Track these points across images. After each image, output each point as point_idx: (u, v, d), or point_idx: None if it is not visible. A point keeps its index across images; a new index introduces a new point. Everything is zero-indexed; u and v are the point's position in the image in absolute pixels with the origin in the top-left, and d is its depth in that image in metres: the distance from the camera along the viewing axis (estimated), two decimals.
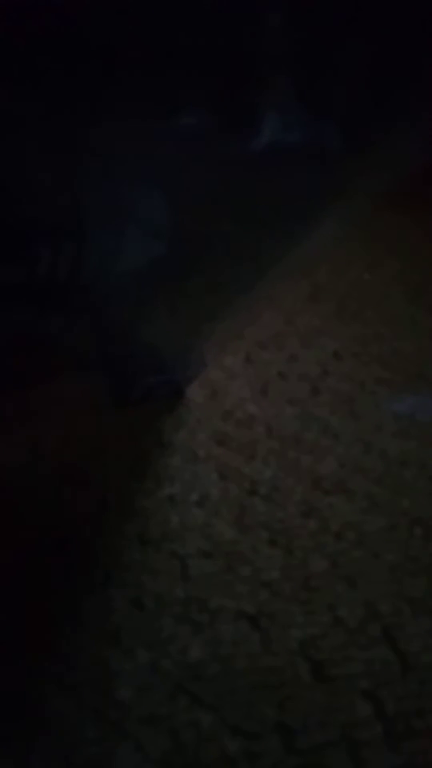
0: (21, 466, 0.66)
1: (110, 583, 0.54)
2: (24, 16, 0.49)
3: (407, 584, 0.56)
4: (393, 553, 0.59)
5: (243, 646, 0.50)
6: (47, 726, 0.44)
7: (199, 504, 0.63)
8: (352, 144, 0.60)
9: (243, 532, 0.60)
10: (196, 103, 0.57)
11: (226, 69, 0.56)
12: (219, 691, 0.46)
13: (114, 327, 0.71)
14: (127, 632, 0.50)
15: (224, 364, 0.86)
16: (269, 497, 0.64)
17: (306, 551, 0.58)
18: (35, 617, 0.51)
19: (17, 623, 0.50)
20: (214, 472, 0.67)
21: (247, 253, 0.66)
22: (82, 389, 0.73)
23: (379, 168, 0.62)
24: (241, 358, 0.88)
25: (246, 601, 0.53)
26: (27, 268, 0.65)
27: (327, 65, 0.58)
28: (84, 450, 0.69)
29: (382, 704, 0.46)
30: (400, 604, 0.54)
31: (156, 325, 0.70)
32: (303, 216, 0.67)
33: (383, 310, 1.06)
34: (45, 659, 0.48)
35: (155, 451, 0.70)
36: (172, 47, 0.53)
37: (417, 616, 0.53)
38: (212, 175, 0.59)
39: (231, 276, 0.68)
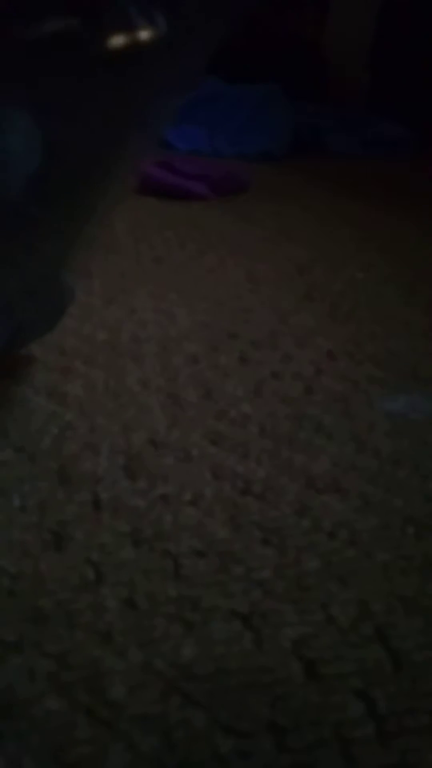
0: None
1: (103, 582, 0.54)
2: None
3: (400, 583, 0.56)
4: (386, 552, 0.59)
5: (235, 646, 0.50)
6: (39, 725, 0.44)
7: (192, 503, 0.63)
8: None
9: (236, 531, 0.60)
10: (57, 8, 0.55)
11: None
12: (211, 691, 0.46)
13: None
14: (120, 631, 0.50)
15: (218, 364, 0.86)
16: (262, 496, 0.64)
17: (299, 550, 0.58)
18: (28, 616, 0.51)
19: (10, 621, 0.50)
20: (208, 471, 0.67)
21: (108, 158, 0.63)
22: None
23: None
24: (235, 358, 0.88)
25: (239, 600, 0.53)
26: None
27: None
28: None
29: (374, 703, 0.47)
30: (393, 602, 0.54)
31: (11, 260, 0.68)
32: (156, 108, 0.66)
33: (377, 309, 1.06)
34: (37, 658, 0.48)
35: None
36: None
37: (409, 615, 0.53)
38: (82, 80, 0.57)
39: (88, 187, 0.65)
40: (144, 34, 0.56)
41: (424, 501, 0.66)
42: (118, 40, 0.55)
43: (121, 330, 0.93)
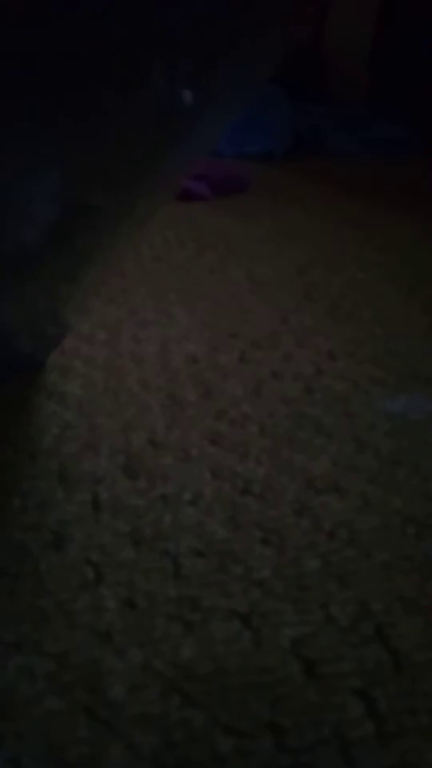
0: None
1: (103, 582, 0.54)
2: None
3: (400, 583, 0.56)
4: (386, 552, 0.59)
5: (235, 645, 0.50)
6: (39, 725, 0.44)
7: (191, 503, 0.63)
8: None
9: (236, 531, 0.60)
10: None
11: None
12: (211, 690, 0.46)
13: None
14: (120, 631, 0.50)
15: (218, 363, 0.86)
16: (262, 496, 0.64)
17: (298, 550, 0.58)
18: (27, 616, 0.51)
19: (10, 621, 0.50)
20: (207, 471, 0.67)
21: (108, 201, 0.64)
22: None
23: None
24: (235, 358, 0.88)
25: (238, 600, 0.53)
26: None
27: None
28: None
29: (374, 703, 0.46)
30: (393, 602, 0.54)
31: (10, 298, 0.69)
32: (170, 171, 0.67)
33: (377, 309, 1.06)
34: (37, 658, 0.48)
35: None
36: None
37: (409, 615, 0.53)
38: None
39: (87, 232, 0.66)
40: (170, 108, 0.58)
41: (424, 501, 0.65)
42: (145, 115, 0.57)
43: (120, 330, 0.93)
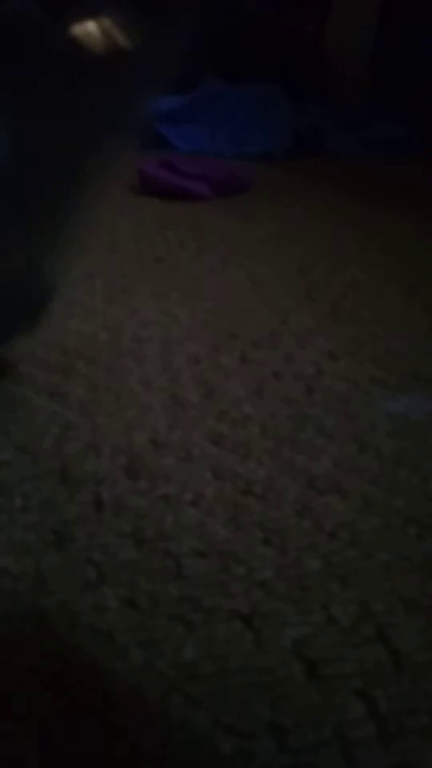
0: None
1: (104, 582, 0.54)
2: None
3: (401, 583, 0.56)
4: (387, 553, 0.59)
5: (237, 646, 0.50)
6: (41, 726, 0.44)
7: (193, 503, 0.63)
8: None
9: (237, 531, 0.60)
10: None
11: None
12: (212, 691, 0.47)
13: None
14: (121, 631, 0.50)
15: (220, 364, 0.86)
16: (264, 497, 0.64)
17: (300, 551, 0.59)
18: (30, 616, 0.51)
19: (11, 622, 0.50)
20: (209, 471, 0.67)
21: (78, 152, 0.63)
22: None
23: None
24: (237, 358, 0.88)
25: (240, 600, 0.53)
26: None
27: None
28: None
29: (375, 703, 0.47)
30: (394, 603, 0.54)
31: None
32: (129, 109, 0.65)
33: (378, 309, 1.06)
34: (38, 658, 0.48)
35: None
36: None
37: (410, 615, 0.53)
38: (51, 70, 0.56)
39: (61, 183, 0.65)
40: (122, 42, 0.56)
41: (425, 501, 0.66)
42: (83, 34, 0.54)
43: (122, 330, 0.93)
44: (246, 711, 0.45)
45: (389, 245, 1.36)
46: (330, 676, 0.48)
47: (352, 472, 0.69)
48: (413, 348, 0.94)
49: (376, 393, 0.83)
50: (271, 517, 0.62)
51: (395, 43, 2.37)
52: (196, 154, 1.90)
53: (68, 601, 0.52)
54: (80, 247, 0.81)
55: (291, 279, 1.16)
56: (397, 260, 1.28)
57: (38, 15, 0.52)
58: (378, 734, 0.45)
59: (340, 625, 0.52)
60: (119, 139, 0.68)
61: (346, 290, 1.12)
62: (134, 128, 0.74)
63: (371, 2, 2.43)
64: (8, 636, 0.49)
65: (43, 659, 0.48)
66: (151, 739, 0.43)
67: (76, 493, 0.63)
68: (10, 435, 0.70)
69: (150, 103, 0.73)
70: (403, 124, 2.22)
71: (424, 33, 2.30)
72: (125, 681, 0.47)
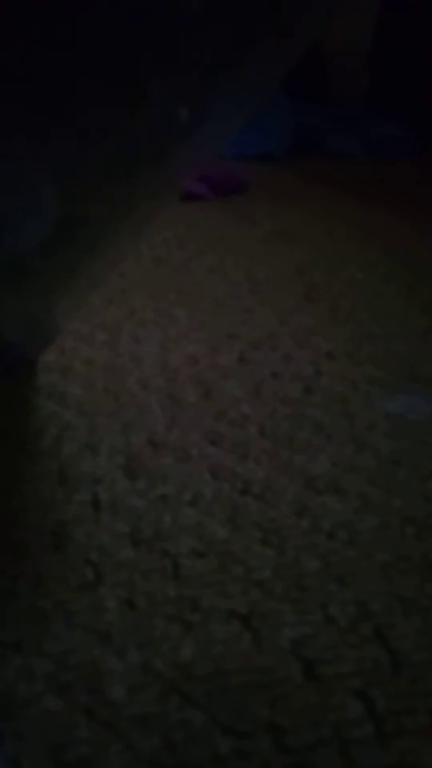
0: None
1: (102, 582, 0.54)
2: None
3: (399, 583, 0.56)
4: (385, 553, 0.59)
5: (235, 646, 0.50)
6: (39, 725, 0.44)
7: (191, 503, 0.63)
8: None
9: (235, 531, 0.60)
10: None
11: None
12: (211, 691, 0.46)
13: None
14: (119, 631, 0.50)
15: (218, 364, 0.86)
16: (262, 497, 0.64)
17: (298, 551, 0.58)
18: (27, 616, 0.51)
19: (9, 622, 0.50)
20: (207, 471, 0.67)
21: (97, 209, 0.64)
22: None
23: None
24: (235, 358, 0.88)
25: (238, 600, 0.53)
26: None
27: None
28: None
29: (373, 703, 0.46)
30: (392, 603, 0.54)
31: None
32: (170, 184, 0.67)
33: (377, 310, 1.06)
34: (37, 658, 0.48)
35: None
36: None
37: (409, 615, 0.53)
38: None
39: (84, 237, 0.67)
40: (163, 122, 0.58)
41: (423, 501, 0.65)
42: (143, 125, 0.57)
43: (120, 330, 0.93)
44: (244, 711, 0.45)
45: (388, 245, 1.36)
46: (328, 676, 0.48)
47: (350, 472, 0.69)
48: (412, 348, 0.94)
49: (374, 393, 0.83)
50: (269, 517, 0.62)
51: (394, 43, 2.37)
52: None
53: (66, 601, 0.52)
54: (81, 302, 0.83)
55: (290, 279, 1.16)
56: (396, 260, 1.28)
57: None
58: (376, 734, 0.45)
59: (339, 625, 0.52)
60: (152, 210, 0.70)
61: (344, 290, 1.12)
62: (171, 199, 0.76)
63: (371, 2, 2.43)
64: (6, 637, 0.49)
65: (42, 659, 0.48)
66: (149, 739, 0.43)
67: (74, 493, 0.63)
68: (8, 435, 0.70)
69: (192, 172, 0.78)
70: (402, 124, 2.22)
71: (424, 33, 2.30)
72: (123, 681, 0.47)
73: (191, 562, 0.56)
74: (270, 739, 0.44)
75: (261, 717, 0.45)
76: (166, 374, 0.83)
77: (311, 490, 0.66)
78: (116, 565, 0.55)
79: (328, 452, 0.71)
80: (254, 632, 0.51)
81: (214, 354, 0.89)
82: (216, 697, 0.46)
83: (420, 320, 1.04)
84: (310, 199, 1.65)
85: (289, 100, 2.12)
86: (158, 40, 0.50)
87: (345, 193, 1.71)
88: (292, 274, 1.18)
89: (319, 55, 2.48)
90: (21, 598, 0.52)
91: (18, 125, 0.50)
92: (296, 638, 0.50)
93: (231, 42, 0.53)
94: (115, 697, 0.46)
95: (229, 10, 0.52)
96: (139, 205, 0.66)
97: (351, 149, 2.15)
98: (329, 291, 1.12)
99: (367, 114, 2.31)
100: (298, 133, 2.09)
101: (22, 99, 0.49)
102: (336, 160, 2.08)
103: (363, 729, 0.45)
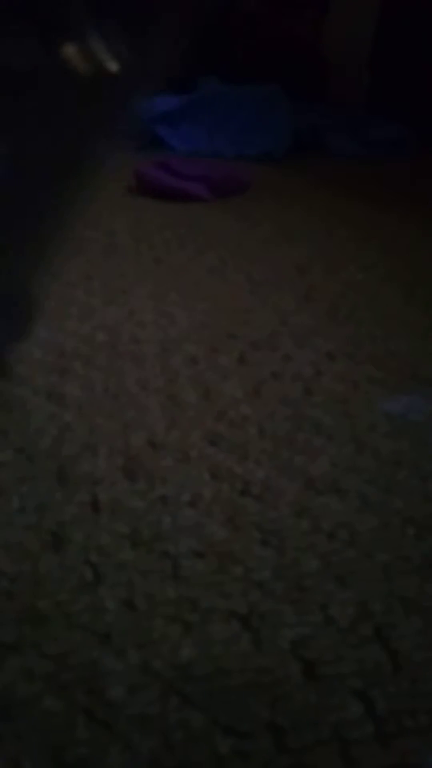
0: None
1: (102, 583, 0.54)
2: None
3: (399, 584, 0.56)
4: (385, 553, 0.59)
5: (234, 646, 0.50)
6: (38, 726, 0.44)
7: (191, 504, 0.63)
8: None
9: (235, 532, 0.60)
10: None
11: None
12: (210, 691, 0.46)
13: None
14: (119, 632, 0.50)
15: (218, 365, 0.86)
16: (261, 497, 0.64)
17: (298, 551, 0.58)
18: (27, 617, 0.51)
19: (9, 622, 0.50)
20: (207, 472, 0.67)
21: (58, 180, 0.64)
22: None
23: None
24: (235, 359, 0.88)
25: (237, 600, 0.53)
26: None
27: None
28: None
29: (373, 703, 0.46)
30: (393, 603, 0.54)
31: None
32: (117, 120, 0.67)
33: (377, 310, 1.06)
34: (37, 659, 0.48)
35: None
36: None
37: (409, 616, 0.53)
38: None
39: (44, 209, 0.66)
40: (109, 66, 0.57)
41: (423, 502, 0.65)
42: (72, 55, 0.56)
43: (120, 331, 0.93)
44: (244, 711, 0.45)
45: (388, 246, 1.36)
46: (328, 676, 0.48)
47: (350, 472, 0.68)
48: (412, 348, 0.94)
49: (374, 393, 0.83)
50: (269, 518, 0.62)
51: (394, 43, 2.37)
52: (194, 156, 1.90)
53: (65, 602, 0.52)
54: (63, 264, 0.83)
55: (290, 279, 1.16)
56: (396, 261, 1.28)
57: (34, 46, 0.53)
58: (376, 734, 0.45)
59: (339, 626, 0.52)
60: (106, 149, 0.69)
61: (344, 291, 1.12)
62: (122, 136, 0.75)
63: (371, 2, 2.43)
64: (6, 637, 0.49)
65: (41, 660, 0.48)
66: (149, 740, 0.43)
67: (73, 494, 0.63)
68: (7, 436, 0.70)
69: (140, 108, 0.75)
70: (402, 124, 2.22)
71: (423, 33, 2.30)
72: (123, 682, 0.47)
73: (191, 562, 0.56)
74: (270, 739, 0.44)
75: (261, 717, 0.45)
76: (165, 375, 0.83)
77: (311, 491, 0.65)
78: (116, 565, 0.55)
79: (329, 453, 0.71)
80: (254, 632, 0.51)
81: (214, 354, 0.89)
82: (216, 697, 0.46)
83: (420, 320, 1.04)
84: (309, 199, 1.65)
85: (290, 100, 2.13)
86: None
87: (345, 193, 1.71)
88: (293, 275, 1.18)
89: (318, 56, 2.48)
90: (21, 598, 0.52)
91: None
92: (296, 638, 0.50)
93: None
94: (114, 698, 0.46)
95: None
96: (93, 146, 0.64)
97: (351, 149, 2.15)
98: (329, 291, 1.12)
99: (367, 114, 2.31)
100: (298, 133, 2.10)
101: None
102: (336, 160, 2.08)
103: (363, 729, 0.45)
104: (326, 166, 2.00)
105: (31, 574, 0.54)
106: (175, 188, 1.54)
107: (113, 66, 0.55)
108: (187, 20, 0.60)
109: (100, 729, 0.44)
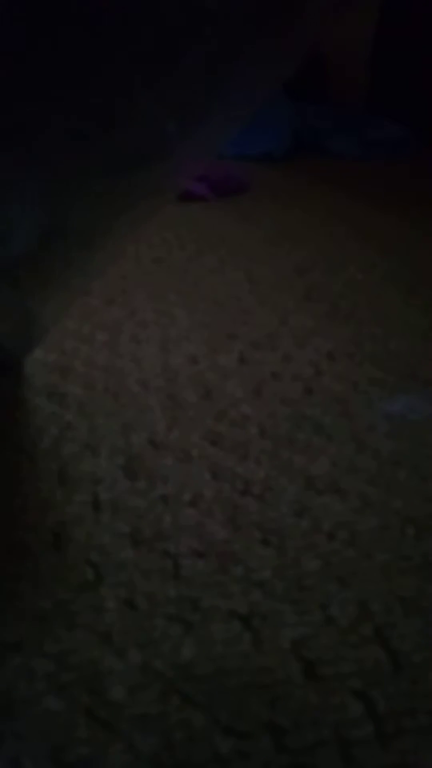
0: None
1: (102, 582, 0.54)
2: None
3: (399, 584, 0.56)
4: (385, 553, 0.59)
5: (235, 646, 0.50)
6: (39, 725, 0.44)
7: (191, 504, 0.63)
8: None
9: (235, 531, 0.60)
10: None
11: None
12: (211, 691, 0.47)
13: None
14: (120, 632, 0.50)
15: (218, 364, 0.86)
16: (262, 497, 0.64)
17: (298, 551, 0.58)
18: (28, 616, 0.51)
19: (10, 622, 0.50)
20: (207, 472, 0.67)
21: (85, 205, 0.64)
22: None
23: None
24: (235, 359, 0.88)
25: (238, 600, 0.53)
26: None
27: None
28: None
29: (373, 703, 0.47)
30: (392, 603, 0.54)
31: None
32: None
33: (377, 310, 1.06)
34: (37, 658, 0.48)
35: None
36: None
37: (409, 616, 0.53)
38: None
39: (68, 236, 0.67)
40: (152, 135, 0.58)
41: (423, 502, 0.66)
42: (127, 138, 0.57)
43: (120, 331, 0.93)
44: (244, 711, 0.45)
45: (388, 246, 1.36)
46: (328, 676, 0.48)
47: (350, 472, 0.69)
48: (412, 348, 0.94)
49: (374, 393, 0.83)
50: (269, 518, 0.62)
51: (394, 43, 2.37)
52: None
53: (66, 601, 0.52)
54: (75, 298, 0.83)
55: (290, 280, 1.16)
56: (396, 261, 1.28)
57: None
58: (376, 734, 0.45)
59: (339, 626, 0.52)
60: (132, 223, 0.70)
61: (344, 291, 1.12)
62: (164, 200, 0.76)
63: (371, 2, 2.43)
64: (7, 636, 0.49)
65: (42, 659, 0.48)
66: (149, 740, 0.43)
67: (74, 493, 0.63)
68: (8, 435, 0.70)
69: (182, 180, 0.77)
70: (402, 124, 2.22)
71: (424, 33, 2.30)
72: (123, 681, 0.47)
73: (191, 562, 0.56)
74: (270, 739, 0.44)
75: (261, 717, 0.45)
76: (166, 375, 0.83)
77: (311, 491, 0.66)
78: (116, 565, 0.55)
79: (328, 452, 0.71)
80: (254, 632, 0.51)
81: (214, 354, 0.89)
82: (216, 697, 0.46)
83: (420, 321, 1.04)
84: (310, 200, 1.65)
85: (290, 100, 2.13)
86: (145, 49, 0.50)
87: (345, 193, 1.71)
88: (293, 275, 1.18)
89: (319, 55, 2.48)
90: (21, 598, 0.52)
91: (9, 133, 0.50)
92: (296, 638, 0.50)
93: (219, 48, 0.53)
94: (115, 698, 0.46)
95: (215, 16, 0.51)
96: (137, 203, 0.65)
97: (351, 149, 2.15)
98: (329, 291, 1.12)
99: (367, 114, 2.31)
100: (298, 133, 2.10)
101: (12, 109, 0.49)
102: (336, 160, 2.08)
103: (363, 729, 0.45)
104: (326, 166, 2.00)
105: (32, 573, 0.54)
106: None
107: (163, 138, 0.56)
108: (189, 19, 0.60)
109: (100, 729, 0.44)
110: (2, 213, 0.57)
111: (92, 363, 0.84)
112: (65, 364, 0.83)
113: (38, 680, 0.46)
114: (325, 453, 0.71)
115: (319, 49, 2.50)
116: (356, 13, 2.43)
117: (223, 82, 0.56)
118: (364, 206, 1.62)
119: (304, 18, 0.59)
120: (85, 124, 0.53)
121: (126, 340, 0.90)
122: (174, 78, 0.52)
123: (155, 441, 0.71)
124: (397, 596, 0.55)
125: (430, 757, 0.44)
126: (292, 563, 0.57)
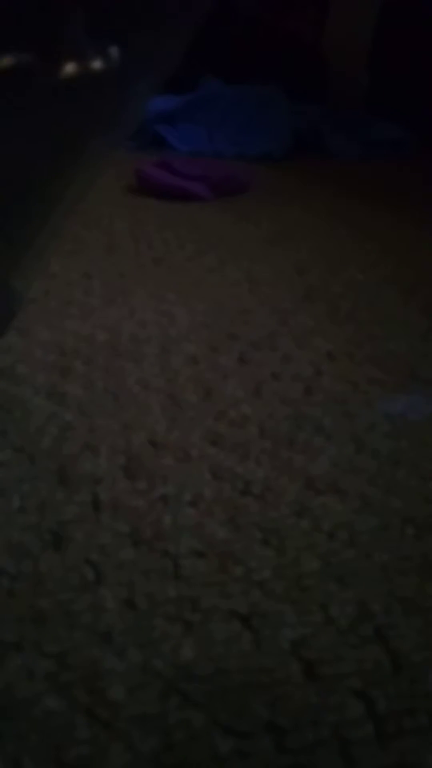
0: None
1: (102, 582, 0.54)
2: None
3: (399, 583, 0.56)
4: (385, 553, 0.59)
5: (235, 646, 0.50)
6: (39, 725, 0.44)
7: (191, 504, 0.63)
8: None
9: (236, 531, 0.60)
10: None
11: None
12: (211, 691, 0.47)
13: None
14: (119, 632, 0.50)
15: (218, 364, 0.86)
16: (262, 497, 0.64)
17: (298, 551, 0.59)
18: (27, 616, 0.51)
19: (9, 622, 0.50)
20: (207, 471, 0.67)
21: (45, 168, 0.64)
22: None
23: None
24: (235, 359, 0.88)
25: (238, 600, 0.53)
26: None
27: None
28: None
29: (373, 703, 0.47)
30: (392, 603, 0.54)
31: None
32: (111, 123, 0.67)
33: (377, 310, 1.06)
34: (37, 658, 0.48)
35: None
36: None
37: (409, 616, 0.53)
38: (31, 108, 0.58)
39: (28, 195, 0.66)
40: (97, 65, 0.57)
41: (423, 502, 0.66)
42: (70, 70, 0.56)
43: (120, 330, 0.93)
44: (244, 711, 0.45)
45: (388, 246, 1.36)
46: (328, 676, 0.48)
47: (350, 472, 0.69)
48: (412, 349, 0.94)
49: (374, 393, 0.83)
50: (269, 518, 0.62)
51: (394, 43, 2.37)
52: (195, 155, 1.90)
53: (66, 601, 0.52)
54: (48, 260, 0.82)
55: (289, 280, 1.16)
56: (396, 261, 1.28)
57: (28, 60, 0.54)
58: (376, 734, 0.45)
59: (339, 626, 0.52)
60: (101, 147, 0.69)
61: (344, 291, 1.12)
62: (120, 133, 0.74)
63: (370, 3, 2.43)
64: (7, 636, 0.49)
65: (42, 659, 0.48)
66: (149, 739, 0.43)
67: (74, 493, 0.63)
68: (7, 435, 0.70)
69: (140, 107, 0.75)
70: (402, 125, 2.22)
71: (423, 33, 2.30)
72: (124, 681, 0.47)
73: (191, 562, 0.56)
74: (270, 739, 0.44)
75: (261, 717, 0.45)
76: (166, 374, 0.83)
77: (311, 491, 0.66)
78: (116, 565, 0.55)
79: (329, 452, 0.71)
80: (254, 632, 0.51)
81: (214, 354, 0.89)
82: (216, 697, 0.46)
83: (420, 321, 1.04)
84: (309, 200, 1.65)
85: (289, 100, 2.13)
86: None
87: (345, 193, 1.71)
88: (292, 275, 1.18)
89: (318, 56, 2.48)
90: (21, 597, 0.52)
91: None
92: (296, 638, 0.51)
93: None
94: (115, 698, 0.46)
95: None
96: (88, 141, 0.64)
97: (351, 149, 2.15)
98: (329, 291, 1.12)
99: (366, 115, 2.32)
100: (298, 133, 2.10)
101: None
102: (336, 160, 2.08)
103: (363, 729, 0.45)
104: (326, 166, 2.00)
105: (32, 573, 0.54)
106: (175, 188, 1.55)
107: (108, 63, 0.55)
108: (187, 19, 0.60)
109: (100, 728, 0.44)
110: None
111: (92, 363, 0.84)
112: (65, 364, 0.83)
113: (38, 680, 0.46)
114: (325, 453, 0.71)
115: (318, 49, 2.51)
116: (356, 13, 2.43)
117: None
118: (364, 206, 1.62)
119: None
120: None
121: (126, 340, 0.90)
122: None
123: (155, 441, 0.71)
124: (397, 596, 0.55)
125: (430, 757, 0.44)
126: (292, 563, 0.57)
